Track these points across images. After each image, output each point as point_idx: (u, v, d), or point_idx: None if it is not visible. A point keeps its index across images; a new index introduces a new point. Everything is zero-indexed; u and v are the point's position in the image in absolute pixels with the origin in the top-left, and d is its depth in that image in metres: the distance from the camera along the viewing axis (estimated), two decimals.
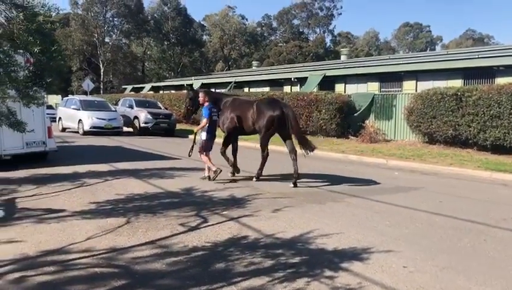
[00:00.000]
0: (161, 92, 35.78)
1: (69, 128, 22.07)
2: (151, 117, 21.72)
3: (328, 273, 4.38)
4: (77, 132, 20.94)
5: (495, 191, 9.13)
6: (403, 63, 22.89)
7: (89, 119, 20.33)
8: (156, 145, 16.59)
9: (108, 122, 20.70)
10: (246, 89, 28.11)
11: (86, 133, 20.30)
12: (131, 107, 23.23)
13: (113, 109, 22.61)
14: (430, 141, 15.46)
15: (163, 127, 22.04)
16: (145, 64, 63.24)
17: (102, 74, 51.98)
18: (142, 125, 21.73)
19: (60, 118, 22.99)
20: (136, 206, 7.16)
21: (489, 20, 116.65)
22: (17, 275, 4.40)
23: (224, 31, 62.86)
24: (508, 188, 9.42)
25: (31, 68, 4.82)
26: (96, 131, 20.13)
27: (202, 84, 31.72)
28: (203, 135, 9.26)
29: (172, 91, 33.64)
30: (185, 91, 10.64)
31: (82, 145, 16.45)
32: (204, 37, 68.76)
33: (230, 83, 29.18)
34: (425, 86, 17.19)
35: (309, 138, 17.98)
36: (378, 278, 4.28)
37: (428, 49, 76.78)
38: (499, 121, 13.16)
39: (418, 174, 10.85)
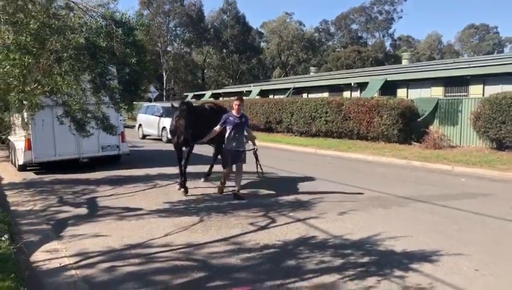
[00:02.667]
0: (221, 98, 36.69)
1: (149, 135, 21.98)
2: None
3: (398, 273, 4.48)
4: (160, 139, 20.61)
5: None
6: (469, 67, 22.10)
7: None
8: None
9: None
10: (305, 95, 28.24)
11: (170, 141, 20.00)
12: None
13: None
14: (498, 147, 14.86)
15: None
16: (205, 71, 64.91)
17: (165, 81, 53.97)
18: None
19: (140, 124, 23.00)
20: (206, 206, 7.55)
21: None
22: (107, 265, 4.86)
23: (282, 37, 63.28)
24: None
25: (127, 77, 5.33)
26: None
27: (261, 90, 32.21)
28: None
29: (232, 98, 34.46)
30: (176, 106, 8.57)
31: (150, 149, 17.30)
32: (262, 44, 69.51)
33: (288, 89, 29.41)
34: (493, 90, 16.52)
35: (370, 144, 17.99)
36: (449, 279, 4.32)
37: (496, 51, 73.11)
38: None
39: (487, 181, 10.52)
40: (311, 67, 52.97)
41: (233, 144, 8.19)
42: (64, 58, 4.14)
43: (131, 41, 4.78)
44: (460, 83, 19.47)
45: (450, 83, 19.98)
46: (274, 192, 8.69)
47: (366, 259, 4.90)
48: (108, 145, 11.83)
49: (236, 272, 4.63)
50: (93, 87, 4.94)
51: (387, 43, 73.67)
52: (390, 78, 22.79)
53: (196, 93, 41.80)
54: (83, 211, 7.40)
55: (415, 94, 20.90)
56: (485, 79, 18.51)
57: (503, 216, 6.91)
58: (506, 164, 12.33)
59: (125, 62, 4.83)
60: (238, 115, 8.24)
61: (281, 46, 64.08)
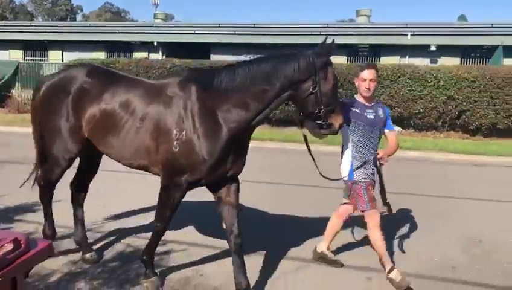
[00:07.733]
0: None
1: None
2: None
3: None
4: None
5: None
6: (48, 32, 22.35)
7: None
8: None
9: None
10: None
11: None
12: None
13: None
14: None
15: None
16: None
17: None
18: None
19: None
20: None
21: None
22: None
23: None
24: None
25: None
26: None
27: None
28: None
29: None
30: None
31: None
32: None
33: None
34: (71, 56, 17.79)
35: None
36: None
37: (69, 18, 76.06)
38: None
39: None
40: None
41: (366, 164, 3.86)
42: None
43: None
44: (40, 47, 19.85)
45: (29, 46, 20.01)
46: None
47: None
48: None
49: None
50: None
51: None
52: None
53: None
54: None
55: None
56: (64, 45, 19.61)
57: None
58: None
59: None
60: (371, 104, 3.91)
61: None
